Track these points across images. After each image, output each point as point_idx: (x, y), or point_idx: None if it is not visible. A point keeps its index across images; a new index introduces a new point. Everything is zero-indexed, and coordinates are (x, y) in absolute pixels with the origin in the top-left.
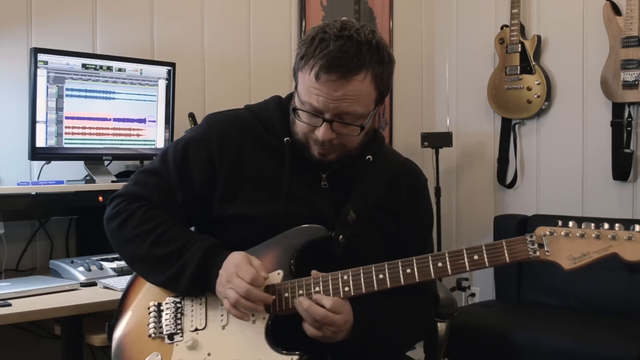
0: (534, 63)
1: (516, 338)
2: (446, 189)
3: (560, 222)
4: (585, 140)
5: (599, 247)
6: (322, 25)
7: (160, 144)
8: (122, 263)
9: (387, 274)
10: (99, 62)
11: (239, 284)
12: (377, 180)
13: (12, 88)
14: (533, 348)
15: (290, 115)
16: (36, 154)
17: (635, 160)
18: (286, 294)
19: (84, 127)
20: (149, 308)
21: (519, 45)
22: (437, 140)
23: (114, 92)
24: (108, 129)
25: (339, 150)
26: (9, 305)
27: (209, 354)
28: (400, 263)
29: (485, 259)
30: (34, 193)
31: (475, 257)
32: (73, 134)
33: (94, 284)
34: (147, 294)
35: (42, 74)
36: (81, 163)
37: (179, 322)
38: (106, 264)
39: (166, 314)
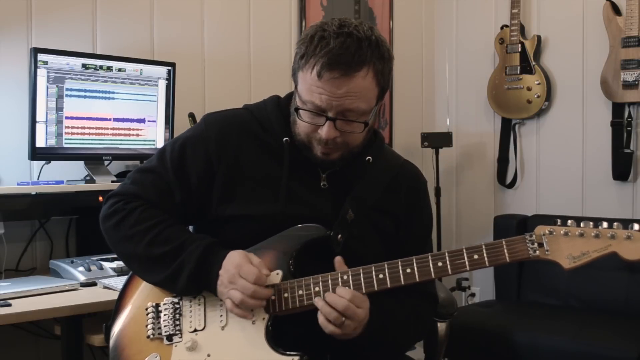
0: (534, 63)
1: (516, 338)
2: (446, 189)
3: (559, 221)
4: (585, 140)
5: (598, 246)
6: (320, 24)
7: (160, 144)
8: (122, 263)
9: (387, 274)
10: (99, 62)
11: (244, 285)
12: (377, 182)
13: (12, 88)
14: (533, 348)
15: (291, 115)
16: (36, 154)
17: (635, 160)
18: (285, 294)
19: (83, 127)
20: (147, 309)
21: (519, 45)
22: (437, 140)
23: (113, 92)
24: (108, 129)
25: (342, 149)
26: (9, 305)
27: (208, 355)
28: (400, 263)
29: (485, 259)
30: (34, 193)
31: (475, 256)
32: (73, 134)
33: (94, 284)
34: (145, 294)
35: (42, 74)
36: (81, 163)
37: (177, 323)
38: (106, 264)
39: (164, 315)
